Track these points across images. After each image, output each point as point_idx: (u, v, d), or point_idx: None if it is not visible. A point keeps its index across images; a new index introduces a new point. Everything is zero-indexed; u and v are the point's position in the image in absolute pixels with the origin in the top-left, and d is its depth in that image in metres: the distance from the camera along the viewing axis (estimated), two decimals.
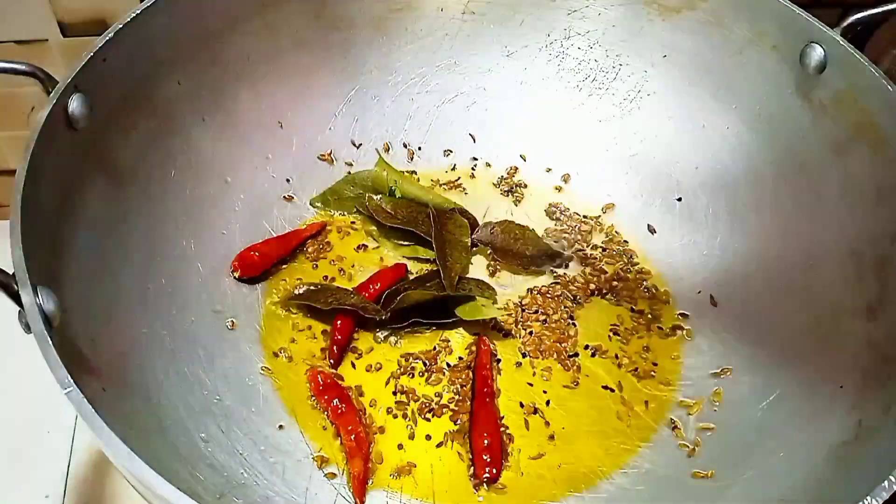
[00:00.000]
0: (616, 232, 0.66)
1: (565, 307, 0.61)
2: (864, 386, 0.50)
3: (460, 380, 0.57)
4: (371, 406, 0.56)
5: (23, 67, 0.49)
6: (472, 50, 0.69)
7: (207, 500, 0.46)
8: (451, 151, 0.69)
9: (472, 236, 0.64)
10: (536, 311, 0.61)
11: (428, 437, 0.54)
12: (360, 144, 0.68)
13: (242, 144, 0.63)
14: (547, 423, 0.55)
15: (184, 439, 0.49)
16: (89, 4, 0.63)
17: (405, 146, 0.69)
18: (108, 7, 0.63)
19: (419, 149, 0.69)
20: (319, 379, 0.56)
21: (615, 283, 0.63)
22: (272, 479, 0.50)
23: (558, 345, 0.59)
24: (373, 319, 0.58)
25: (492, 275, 0.64)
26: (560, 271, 0.64)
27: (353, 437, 0.53)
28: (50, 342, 0.39)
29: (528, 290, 0.63)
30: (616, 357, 0.59)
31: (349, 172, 0.67)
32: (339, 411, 0.54)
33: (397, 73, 0.68)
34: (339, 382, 0.56)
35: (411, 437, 0.54)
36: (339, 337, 0.57)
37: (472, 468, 0.53)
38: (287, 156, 0.66)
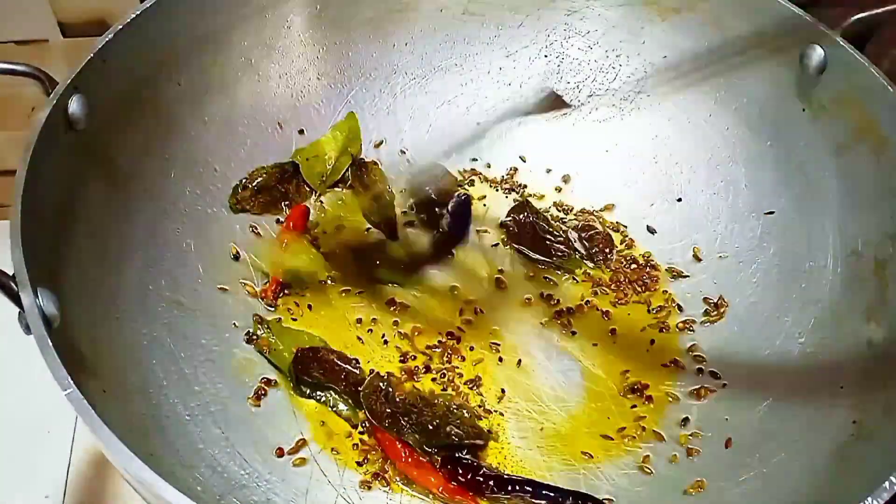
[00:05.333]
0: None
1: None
2: (864, 386, 0.50)
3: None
4: None
5: (23, 68, 0.49)
6: (471, 51, 0.69)
7: (207, 502, 0.46)
8: (451, 152, 0.69)
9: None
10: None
11: None
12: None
13: (242, 145, 0.63)
14: (542, 423, 0.55)
15: (184, 440, 0.49)
16: (89, 5, 0.63)
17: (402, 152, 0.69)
18: (108, 7, 0.64)
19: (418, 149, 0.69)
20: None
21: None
22: (272, 480, 0.50)
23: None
24: None
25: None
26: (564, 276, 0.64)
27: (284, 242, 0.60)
28: (50, 343, 0.39)
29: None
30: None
31: None
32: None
33: (397, 73, 0.68)
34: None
35: None
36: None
37: None
38: (287, 156, 0.65)
